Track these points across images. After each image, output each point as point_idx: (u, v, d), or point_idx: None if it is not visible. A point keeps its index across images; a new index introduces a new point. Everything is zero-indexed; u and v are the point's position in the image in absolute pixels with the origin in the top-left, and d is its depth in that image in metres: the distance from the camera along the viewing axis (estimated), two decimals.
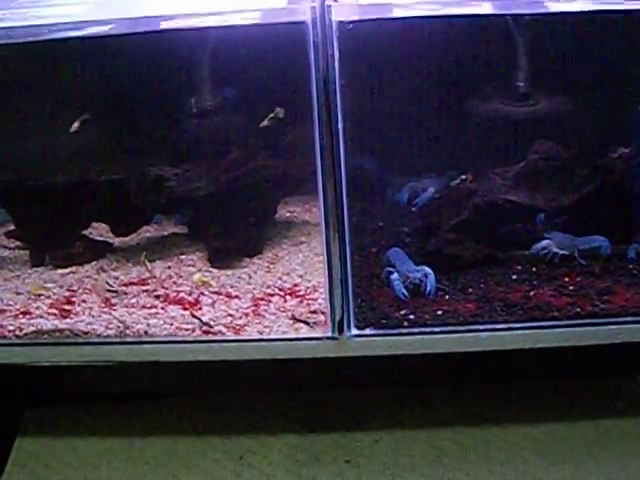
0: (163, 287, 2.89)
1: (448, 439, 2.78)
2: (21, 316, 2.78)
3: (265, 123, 3.05)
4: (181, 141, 3.13)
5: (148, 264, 2.95)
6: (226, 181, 3.01)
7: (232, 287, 2.88)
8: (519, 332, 2.58)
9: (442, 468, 2.67)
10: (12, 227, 3.22)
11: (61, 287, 2.96)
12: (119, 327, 2.68)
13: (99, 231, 3.26)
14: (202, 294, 2.83)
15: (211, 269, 3.00)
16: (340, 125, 2.40)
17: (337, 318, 2.59)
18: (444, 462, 2.70)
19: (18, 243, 3.23)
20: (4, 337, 2.70)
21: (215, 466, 2.74)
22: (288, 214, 3.31)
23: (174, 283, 2.92)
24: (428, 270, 2.73)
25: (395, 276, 2.73)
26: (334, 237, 2.50)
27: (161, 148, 3.12)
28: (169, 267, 3.03)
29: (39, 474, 2.75)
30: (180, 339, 2.66)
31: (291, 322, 2.68)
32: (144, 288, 2.90)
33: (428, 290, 2.70)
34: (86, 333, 2.69)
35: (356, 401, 2.96)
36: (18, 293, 2.93)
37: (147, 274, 2.95)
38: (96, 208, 3.08)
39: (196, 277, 2.92)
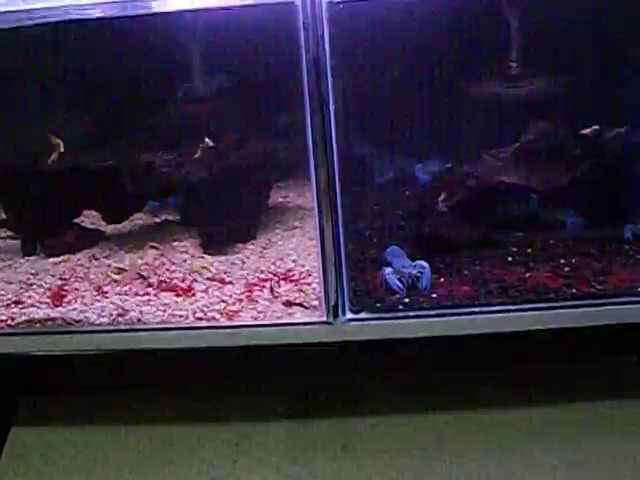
0: (156, 274, 2.85)
1: (446, 423, 2.76)
2: (13, 305, 2.76)
3: (198, 155, 2.98)
4: (173, 127, 3.08)
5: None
6: (218, 167, 2.97)
7: (225, 273, 2.84)
8: (515, 314, 2.55)
9: (440, 452, 2.65)
10: (3, 217, 3.19)
11: (53, 276, 2.92)
12: (112, 315, 2.64)
13: (91, 219, 3.23)
14: (195, 281, 2.79)
15: (204, 255, 2.96)
16: (332, 107, 2.37)
17: (331, 302, 2.56)
18: (442, 446, 2.68)
19: (9, 233, 3.20)
20: None
21: (211, 453, 2.73)
22: (281, 199, 3.28)
23: (167, 270, 2.88)
24: (424, 264, 2.67)
25: (389, 270, 2.68)
26: (327, 221, 2.46)
27: (153, 134, 3.07)
28: (162, 254, 2.99)
29: (35, 464, 2.75)
30: (174, 326, 2.63)
31: (285, 307, 2.65)
32: (137, 275, 2.86)
33: (424, 285, 2.64)
34: (79, 321, 2.66)
35: (352, 386, 2.95)
36: (10, 282, 2.90)
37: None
38: (87, 196, 3.05)
39: (194, 265, 2.88)
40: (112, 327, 2.65)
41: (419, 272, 2.65)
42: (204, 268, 2.84)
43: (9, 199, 3.08)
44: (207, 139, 2.93)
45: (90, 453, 2.76)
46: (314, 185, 2.44)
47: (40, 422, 2.89)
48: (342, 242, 2.51)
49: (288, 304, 2.65)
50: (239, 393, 2.94)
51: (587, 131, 2.76)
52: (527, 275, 2.67)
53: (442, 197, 2.83)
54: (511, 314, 2.55)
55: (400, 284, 2.64)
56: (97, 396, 2.98)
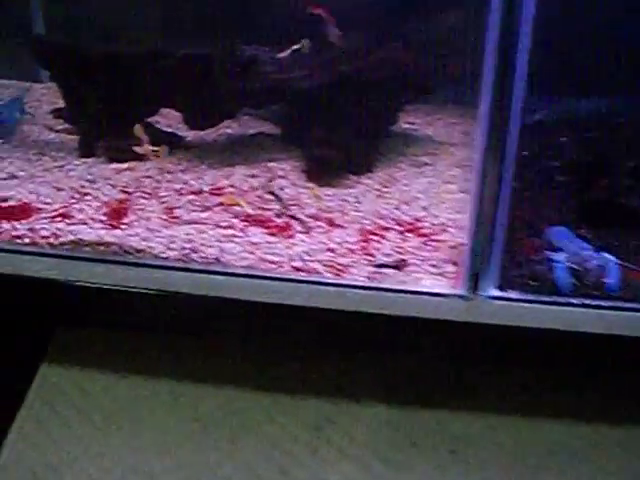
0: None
1: (580, 437, 2.26)
2: (59, 219, 2.21)
3: (284, 54, 2.46)
4: (286, 18, 2.44)
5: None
6: (339, 73, 2.38)
7: (334, 212, 2.23)
8: None
9: (574, 470, 2.16)
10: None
11: (113, 187, 2.36)
12: (184, 248, 2.07)
13: (168, 120, 2.68)
14: (294, 218, 2.17)
15: (307, 184, 2.37)
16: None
17: (474, 271, 1.97)
18: (574, 463, 2.18)
19: (66, 125, 2.68)
20: (35, 244, 2.15)
21: (284, 435, 2.26)
22: (406, 125, 2.67)
23: (259, 198, 2.28)
24: (609, 257, 2.03)
25: (561, 257, 2.04)
26: (494, 169, 1.85)
27: (260, 25, 2.44)
28: (253, 176, 2.41)
29: (59, 410, 2.34)
30: (262, 274, 2.05)
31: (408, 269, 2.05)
32: (219, 199, 2.25)
33: (612, 283, 1.98)
34: (139, 251, 2.11)
35: (471, 377, 2.45)
36: (59, 189, 2.37)
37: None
38: (169, 90, 2.46)
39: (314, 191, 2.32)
40: (182, 265, 2.08)
41: (602, 266, 2.01)
42: (318, 197, 2.25)
43: (70, 84, 2.53)
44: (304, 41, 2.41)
45: (130, 412, 2.33)
46: (485, 117, 1.81)
47: (74, 360, 2.47)
48: (506, 197, 1.90)
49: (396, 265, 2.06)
50: (329, 364, 2.45)
51: None
52: None
53: None
54: None
55: (573, 281, 2.01)
56: (147, 340, 2.54)
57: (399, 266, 2.06)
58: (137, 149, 2.40)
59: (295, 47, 2.46)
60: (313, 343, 2.48)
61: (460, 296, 2.01)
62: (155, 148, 2.40)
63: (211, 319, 2.48)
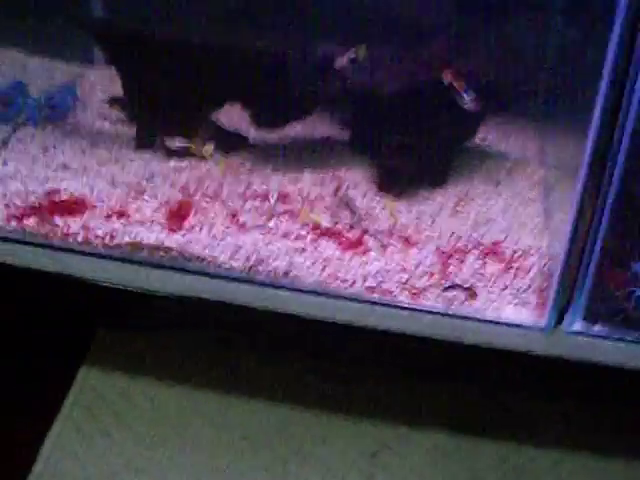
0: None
1: None
2: (116, 218, 2.04)
3: (343, 62, 2.19)
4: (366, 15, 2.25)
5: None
6: (421, 81, 2.16)
7: (409, 229, 2.06)
8: None
9: None
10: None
11: (172, 186, 2.16)
12: (248, 259, 1.92)
13: (229, 119, 2.43)
14: (367, 233, 2.01)
15: (378, 196, 2.19)
16: None
17: (561, 304, 1.82)
18: None
19: (123, 116, 2.45)
20: (89, 243, 1.98)
21: (338, 460, 2.12)
22: (477, 140, 2.46)
23: (328, 209, 2.12)
24: None
25: None
26: (594, 198, 1.70)
27: (340, 20, 2.25)
28: (320, 183, 2.22)
29: (101, 420, 2.20)
30: (332, 292, 1.90)
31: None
32: (286, 207, 2.09)
33: None
34: (201, 259, 1.95)
35: (537, 410, 2.28)
36: (114, 184, 2.17)
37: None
38: (239, 86, 2.24)
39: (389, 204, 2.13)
40: (246, 276, 1.92)
41: None
42: (393, 214, 2.06)
43: (131, 71, 2.32)
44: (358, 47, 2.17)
45: (170, 417, 2.21)
46: (591, 144, 1.64)
47: (115, 365, 2.34)
48: (603, 228, 1.75)
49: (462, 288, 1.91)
50: (389, 388, 2.31)
51: None
52: None
53: None
54: None
55: None
56: (195, 345, 2.39)
57: (469, 289, 1.92)
58: (169, 143, 2.26)
59: (351, 55, 2.28)
60: (375, 366, 2.33)
61: (543, 329, 1.86)
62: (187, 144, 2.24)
63: (269, 333, 2.34)
